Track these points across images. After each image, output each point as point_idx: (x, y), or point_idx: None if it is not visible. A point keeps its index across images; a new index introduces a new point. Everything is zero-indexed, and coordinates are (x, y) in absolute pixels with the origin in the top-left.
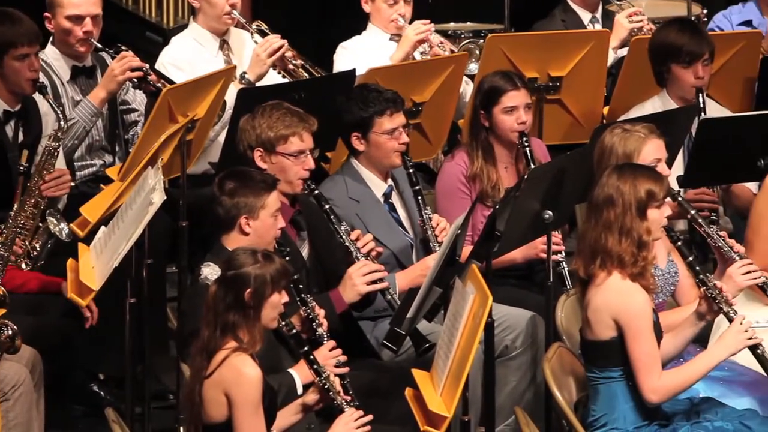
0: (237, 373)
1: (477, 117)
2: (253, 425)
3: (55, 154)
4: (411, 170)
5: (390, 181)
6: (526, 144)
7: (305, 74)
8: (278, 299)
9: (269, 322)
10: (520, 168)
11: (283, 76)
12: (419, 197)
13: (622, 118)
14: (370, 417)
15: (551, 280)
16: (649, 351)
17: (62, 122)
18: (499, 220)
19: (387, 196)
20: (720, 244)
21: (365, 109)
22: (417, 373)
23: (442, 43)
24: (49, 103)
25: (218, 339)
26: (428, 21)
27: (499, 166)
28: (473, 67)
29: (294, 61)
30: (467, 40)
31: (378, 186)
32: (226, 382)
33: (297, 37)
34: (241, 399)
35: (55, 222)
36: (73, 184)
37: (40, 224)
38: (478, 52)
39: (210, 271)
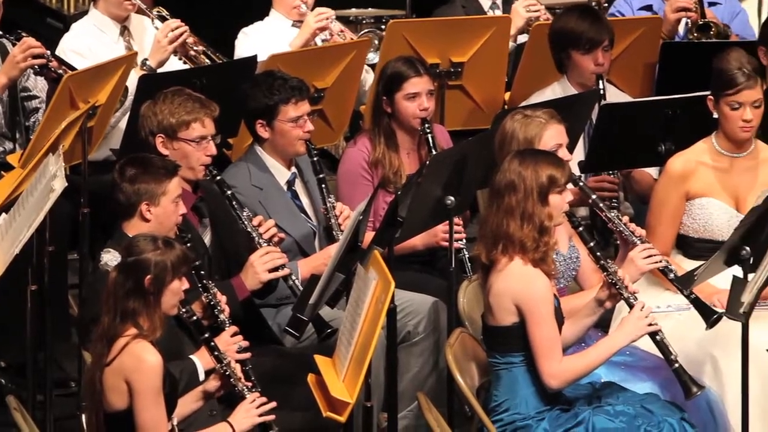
0: (137, 360)
1: (379, 103)
2: (154, 412)
3: None
4: (315, 158)
5: (294, 169)
6: (428, 130)
7: (207, 60)
8: (179, 286)
9: (169, 308)
10: (422, 154)
11: (185, 62)
12: (323, 185)
13: (523, 104)
14: (273, 404)
15: (453, 265)
16: (550, 336)
17: None
18: (401, 206)
19: (290, 183)
20: (621, 229)
21: (270, 96)
22: (319, 359)
23: (342, 31)
24: None
25: (118, 326)
26: (329, 9)
27: (402, 152)
28: (372, 57)
29: (195, 47)
30: (367, 29)
31: (281, 173)
32: (126, 369)
33: (198, 23)
34: (141, 386)
35: None
36: None
37: None
38: (377, 41)
39: (110, 258)
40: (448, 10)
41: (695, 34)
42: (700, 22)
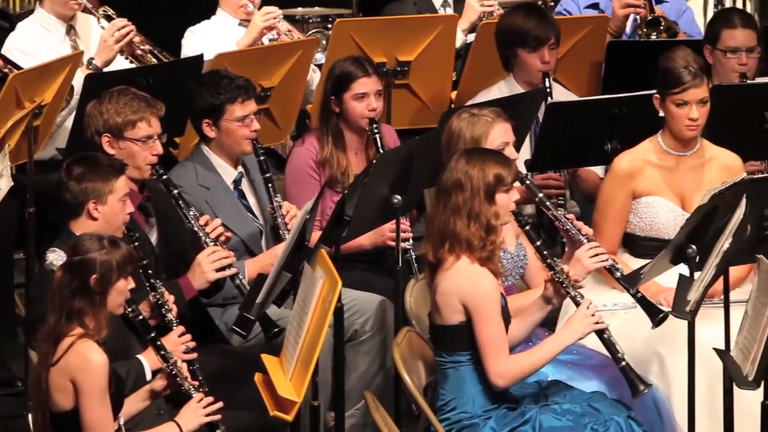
0: (83, 360)
1: (328, 103)
2: (100, 412)
3: None
4: (262, 158)
5: (240, 168)
6: (376, 131)
7: (153, 59)
8: (124, 285)
9: (115, 308)
10: (369, 154)
11: (131, 62)
12: (270, 185)
13: (470, 102)
14: (220, 404)
15: (400, 264)
16: (497, 335)
17: None
18: (348, 205)
19: (237, 182)
20: (568, 227)
21: (216, 96)
22: (266, 359)
23: (289, 31)
24: None
25: (64, 325)
26: (276, 8)
27: (349, 152)
28: (319, 57)
29: (141, 47)
30: (314, 30)
31: (228, 173)
32: (72, 369)
33: (144, 22)
34: (86, 386)
35: None
36: None
37: None
38: (325, 42)
39: (55, 257)
40: (400, 7)
41: (644, 30)
42: (650, 17)
